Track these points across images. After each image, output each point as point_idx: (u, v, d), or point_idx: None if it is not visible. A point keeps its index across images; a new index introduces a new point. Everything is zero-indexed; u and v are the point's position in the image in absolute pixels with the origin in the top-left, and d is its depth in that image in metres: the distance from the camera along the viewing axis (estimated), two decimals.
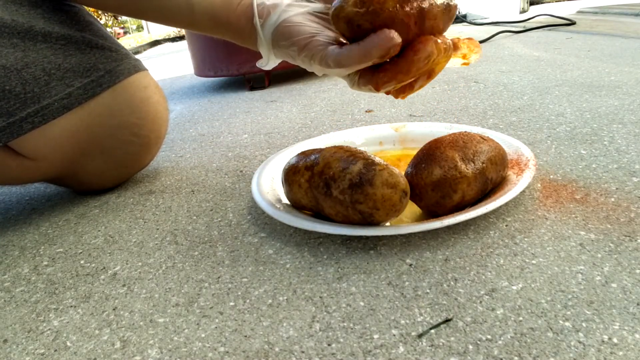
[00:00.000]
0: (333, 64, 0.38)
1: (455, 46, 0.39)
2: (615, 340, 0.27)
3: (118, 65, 0.55)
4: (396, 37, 0.34)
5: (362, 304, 0.33)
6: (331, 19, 0.37)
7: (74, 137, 0.53)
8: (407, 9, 0.35)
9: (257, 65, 0.46)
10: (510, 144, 0.50)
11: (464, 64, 0.43)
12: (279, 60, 0.45)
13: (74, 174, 0.58)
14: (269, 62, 0.45)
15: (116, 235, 0.50)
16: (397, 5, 0.35)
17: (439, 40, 0.36)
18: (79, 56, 0.52)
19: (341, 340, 0.30)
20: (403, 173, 0.39)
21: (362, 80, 0.39)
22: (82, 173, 0.59)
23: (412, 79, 0.39)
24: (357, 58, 0.36)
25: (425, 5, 0.36)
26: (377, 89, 0.38)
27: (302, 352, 0.29)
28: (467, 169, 0.40)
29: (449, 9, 0.37)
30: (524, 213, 0.42)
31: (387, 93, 0.42)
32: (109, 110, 0.54)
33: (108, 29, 0.88)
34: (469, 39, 0.42)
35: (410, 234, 0.40)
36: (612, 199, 0.42)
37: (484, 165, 0.41)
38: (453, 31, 2.04)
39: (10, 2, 0.49)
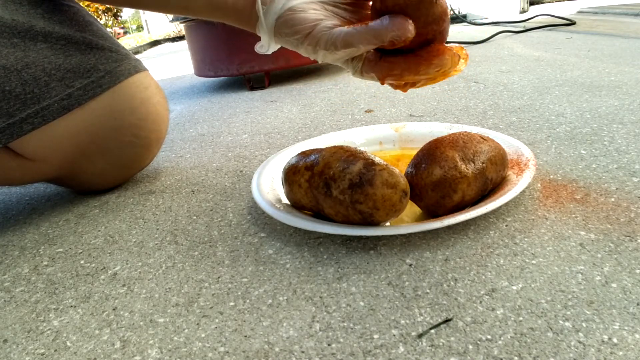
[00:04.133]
0: (341, 44, 0.36)
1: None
2: (615, 340, 0.27)
3: (118, 66, 0.55)
4: (412, 28, 0.33)
5: (362, 304, 0.33)
6: None
7: (74, 138, 0.53)
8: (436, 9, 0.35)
9: (255, 49, 0.44)
10: (510, 144, 0.50)
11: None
12: (279, 46, 0.44)
13: (74, 175, 0.58)
14: (269, 48, 0.43)
15: (116, 235, 0.50)
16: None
17: (455, 52, 0.36)
18: (79, 57, 0.52)
19: (341, 340, 0.30)
20: (403, 173, 0.39)
21: (365, 68, 0.38)
22: (82, 173, 0.59)
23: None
24: (368, 37, 0.35)
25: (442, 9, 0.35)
26: (381, 80, 0.37)
27: (302, 352, 0.29)
28: (467, 169, 0.40)
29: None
30: (524, 213, 0.42)
31: (390, 85, 0.41)
32: (110, 111, 0.54)
33: (108, 29, 0.88)
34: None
35: (410, 234, 0.40)
36: (612, 199, 0.42)
37: (484, 165, 0.41)
38: (452, 31, 2.04)
39: (10, 2, 0.49)
